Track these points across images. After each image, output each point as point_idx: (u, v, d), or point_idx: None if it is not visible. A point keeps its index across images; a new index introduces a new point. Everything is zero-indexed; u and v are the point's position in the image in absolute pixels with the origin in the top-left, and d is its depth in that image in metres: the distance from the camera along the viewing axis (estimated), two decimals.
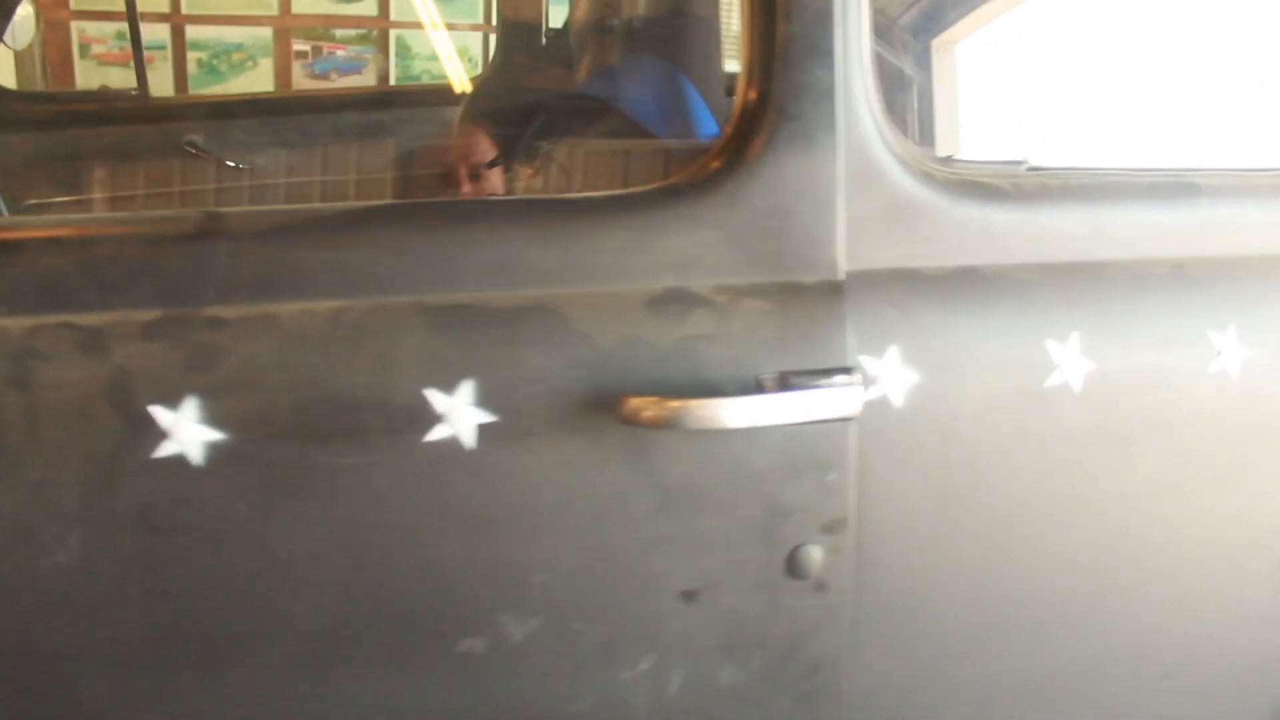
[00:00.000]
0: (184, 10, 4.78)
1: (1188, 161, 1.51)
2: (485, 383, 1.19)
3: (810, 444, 1.26)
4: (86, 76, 4.69)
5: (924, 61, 3.10)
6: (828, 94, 1.25)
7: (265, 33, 4.85)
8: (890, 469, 1.31)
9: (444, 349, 1.19)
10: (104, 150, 3.23)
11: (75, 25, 4.68)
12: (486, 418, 1.18)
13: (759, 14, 1.25)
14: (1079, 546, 1.42)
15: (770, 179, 1.25)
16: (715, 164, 1.26)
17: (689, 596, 1.27)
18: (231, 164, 3.23)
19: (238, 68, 4.82)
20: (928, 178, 1.33)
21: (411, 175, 2.90)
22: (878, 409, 1.29)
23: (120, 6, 4.66)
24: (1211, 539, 1.49)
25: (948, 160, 1.39)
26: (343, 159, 3.08)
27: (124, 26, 4.75)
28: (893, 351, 1.29)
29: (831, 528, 1.29)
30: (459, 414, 1.18)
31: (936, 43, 3.09)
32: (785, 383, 1.23)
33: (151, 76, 4.79)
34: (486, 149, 2.52)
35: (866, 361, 1.28)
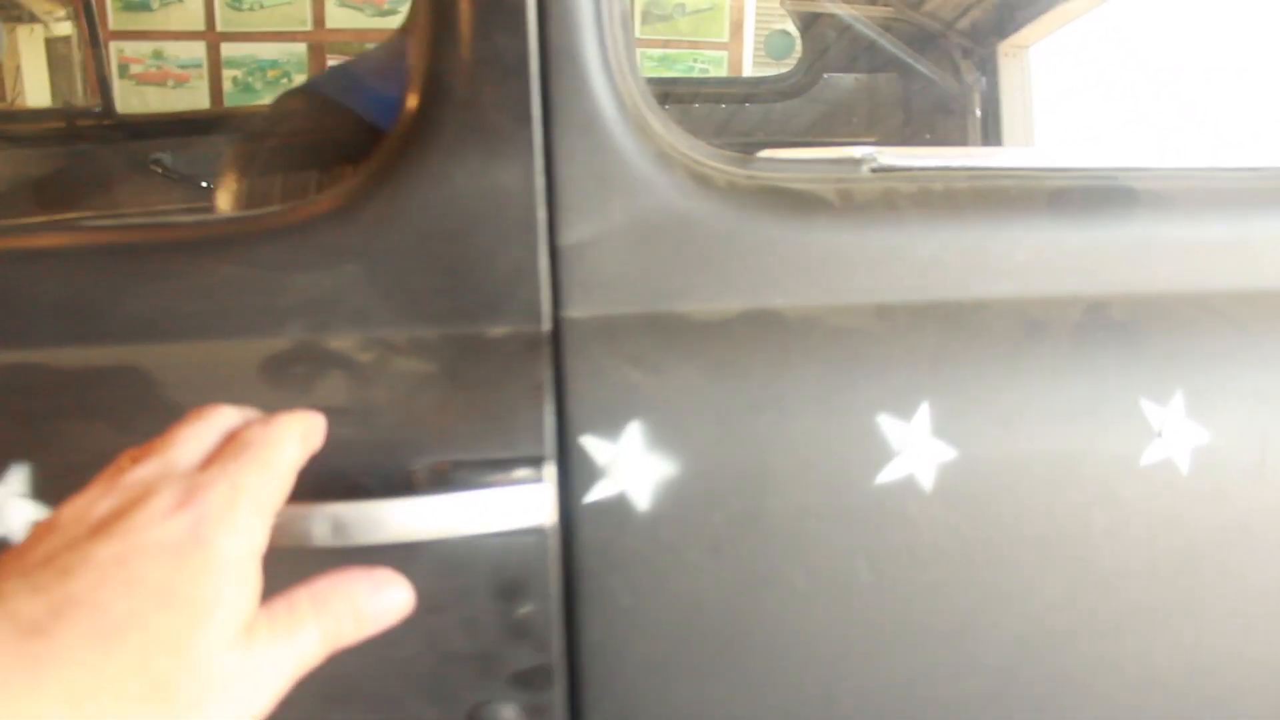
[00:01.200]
0: (219, 28, 4.67)
1: (1140, 158, 1.08)
2: (39, 471, 0.86)
3: (493, 563, 0.89)
4: (125, 96, 4.61)
5: (988, 66, 2.72)
6: (518, 70, 0.89)
7: (300, 49, 4.69)
8: (634, 598, 0.93)
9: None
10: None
11: (115, 46, 4.60)
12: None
13: None
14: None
15: (438, 193, 0.89)
16: (370, 174, 0.91)
17: None
18: (204, 184, 3.05)
19: (273, 85, 4.67)
20: (703, 183, 0.95)
21: None
22: (611, 513, 0.91)
23: (158, 26, 4.59)
24: None
25: (752, 160, 1.00)
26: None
27: (161, 45, 4.68)
28: (633, 431, 0.91)
29: (528, 680, 0.91)
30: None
31: (1005, 46, 2.69)
32: (446, 479, 0.87)
33: (188, 95, 4.70)
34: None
35: (593, 445, 0.90)
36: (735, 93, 3.09)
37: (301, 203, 0.90)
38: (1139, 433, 0.98)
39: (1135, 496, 0.98)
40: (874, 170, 0.99)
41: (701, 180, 0.94)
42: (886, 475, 0.94)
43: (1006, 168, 1.02)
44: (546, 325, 0.91)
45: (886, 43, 2.68)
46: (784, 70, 3.17)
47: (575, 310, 0.93)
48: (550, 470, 0.87)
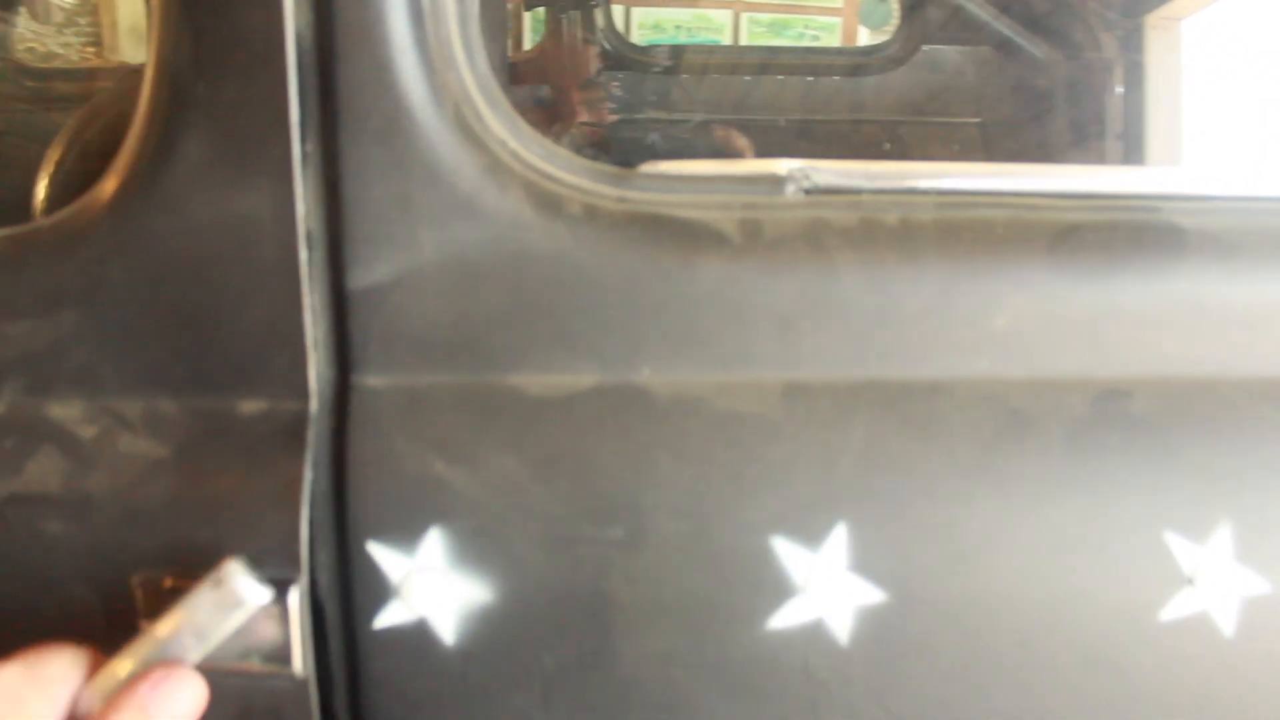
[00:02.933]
0: None
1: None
2: None
3: (238, 709, 0.69)
4: None
5: (1133, 43, 2.35)
6: (272, 56, 0.67)
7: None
8: None
9: None
10: None
11: None
12: None
13: None
14: None
15: (174, 222, 0.68)
16: (93, 199, 0.71)
17: None
18: None
19: None
20: (549, 208, 0.71)
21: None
22: (408, 644, 0.70)
23: None
24: None
25: (630, 177, 0.75)
26: None
27: None
28: (434, 540, 0.69)
29: None
30: None
31: (1153, 18, 2.31)
32: (170, 599, 0.67)
33: None
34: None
35: (383, 555, 0.69)
36: (815, 64, 2.73)
37: (16, 230, 0.71)
38: (1161, 577, 0.70)
39: (1150, 664, 0.71)
40: (806, 192, 0.73)
41: (547, 204, 0.71)
42: (783, 619, 0.69)
43: (994, 191, 0.74)
44: (319, 398, 0.69)
45: (997, 11, 2.32)
46: (878, 41, 2.83)
47: (368, 376, 0.71)
48: (295, 597, 0.66)
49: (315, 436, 0.71)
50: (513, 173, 0.71)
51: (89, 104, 0.98)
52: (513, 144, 0.71)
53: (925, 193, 0.74)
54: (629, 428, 0.70)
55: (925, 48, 2.54)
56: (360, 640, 0.71)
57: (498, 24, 2.30)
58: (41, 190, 0.94)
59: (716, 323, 0.71)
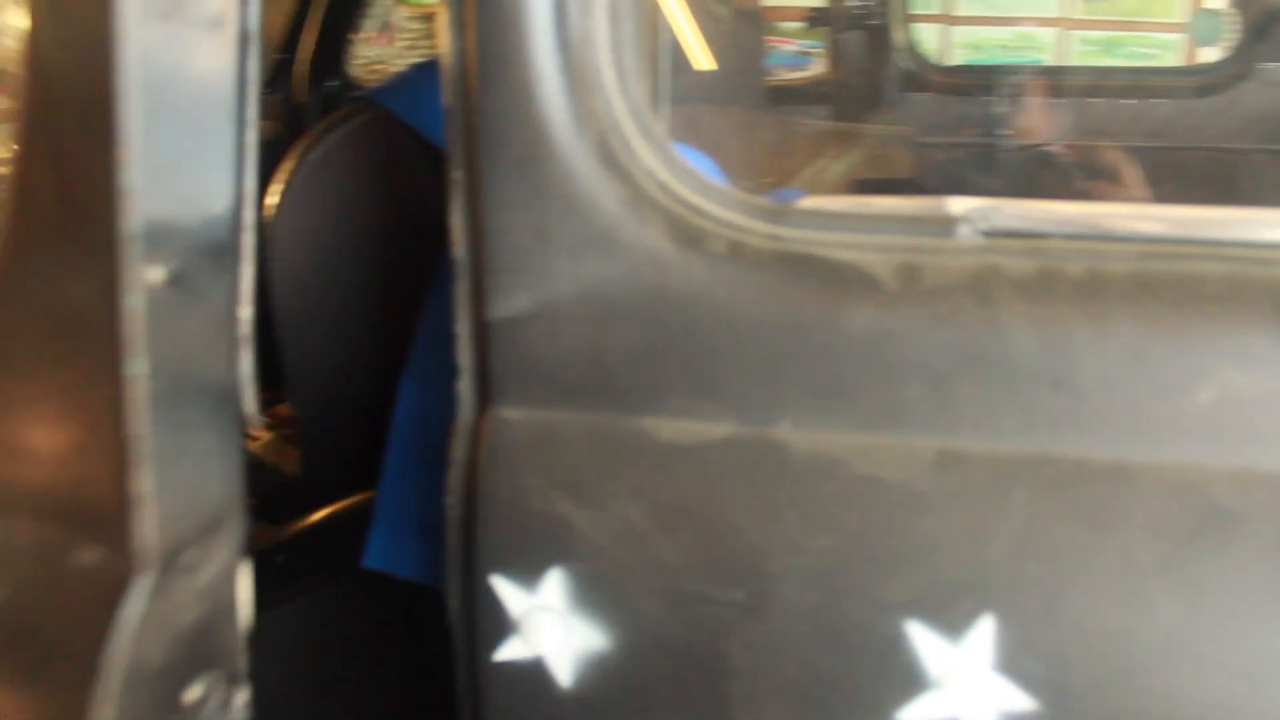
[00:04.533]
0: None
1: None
2: None
3: None
4: None
5: None
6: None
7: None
8: None
9: None
10: None
11: None
12: None
13: None
14: None
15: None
16: None
17: None
18: None
19: None
20: (692, 244, 0.67)
21: None
22: (524, 681, 0.70)
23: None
24: None
25: (786, 212, 0.69)
26: None
27: None
28: (555, 580, 0.68)
29: None
30: None
31: None
32: None
33: None
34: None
35: (504, 589, 0.69)
36: (1129, 85, 2.36)
37: None
38: None
39: None
40: (983, 234, 0.65)
41: (690, 239, 0.67)
42: (913, 713, 0.63)
43: (1210, 240, 0.62)
44: (462, 425, 0.69)
45: None
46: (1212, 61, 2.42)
47: (504, 407, 0.71)
48: None
49: (456, 463, 0.72)
50: (656, 205, 0.68)
51: (325, 121, 1.05)
52: (661, 175, 0.68)
53: (1123, 239, 0.63)
54: (761, 484, 0.66)
55: (1261, 66, 2.16)
56: (480, 670, 0.71)
57: (752, 47, 2.20)
58: (274, 198, 1.01)
59: (864, 377, 0.65)
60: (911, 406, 0.64)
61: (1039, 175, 2.11)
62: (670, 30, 0.76)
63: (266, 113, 2.50)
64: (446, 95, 0.70)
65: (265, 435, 2.19)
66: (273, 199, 1.00)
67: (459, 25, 0.69)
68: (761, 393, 0.67)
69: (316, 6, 2.32)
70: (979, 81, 2.32)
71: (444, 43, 0.70)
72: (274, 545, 1.07)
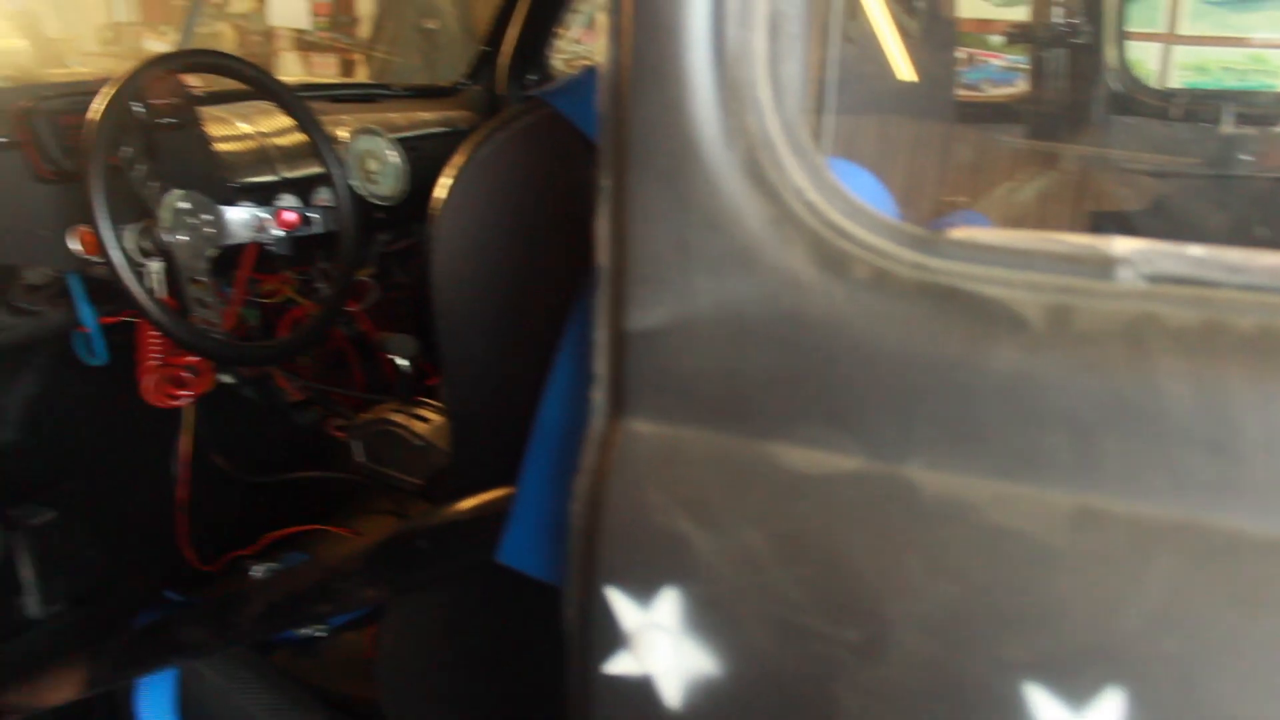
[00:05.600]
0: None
1: None
2: None
3: None
4: None
5: None
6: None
7: None
8: None
9: None
10: None
11: None
12: None
13: None
14: None
15: None
16: None
17: None
18: None
19: None
20: (836, 268, 0.65)
21: None
22: (632, 696, 0.70)
23: None
24: None
25: (937, 241, 0.65)
26: None
27: None
28: (670, 599, 0.67)
29: None
30: None
31: None
32: None
33: None
34: None
35: (619, 602, 0.69)
36: None
37: None
38: None
39: None
40: (1145, 278, 0.61)
41: (832, 263, 0.65)
42: None
43: None
44: (594, 433, 0.70)
45: None
46: None
47: (635, 419, 0.70)
48: None
49: (584, 470, 0.72)
50: (801, 226, 0.66)
51: (496, 118, 1.06)
52: (810, 195, 0.66)
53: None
54: (886, 523, 0.64)
55: None
56: (590, 679, 0.71)
57: (942, 60, 2.11)
58: (441, 191, 1.03)
59: (1003, 421, 0.62)
60: (1051, 457, 0.61)
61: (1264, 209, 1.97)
62: (843, 41, 0.74)
63: (468, 104, 2.58)
64: (601, 102, 0.70)
65: (435, 418, 2.26)
66: (440, 192, 1.03)
67: (616, 33, 0.69)
68: (894, 428, 0.64)
69: (523, 1, 2.38)
70: (1200, 107, 2.18)
71: (602, 50, 0.70)
72: (418, 530, 1.11)
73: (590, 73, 1.08)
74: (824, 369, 0.66)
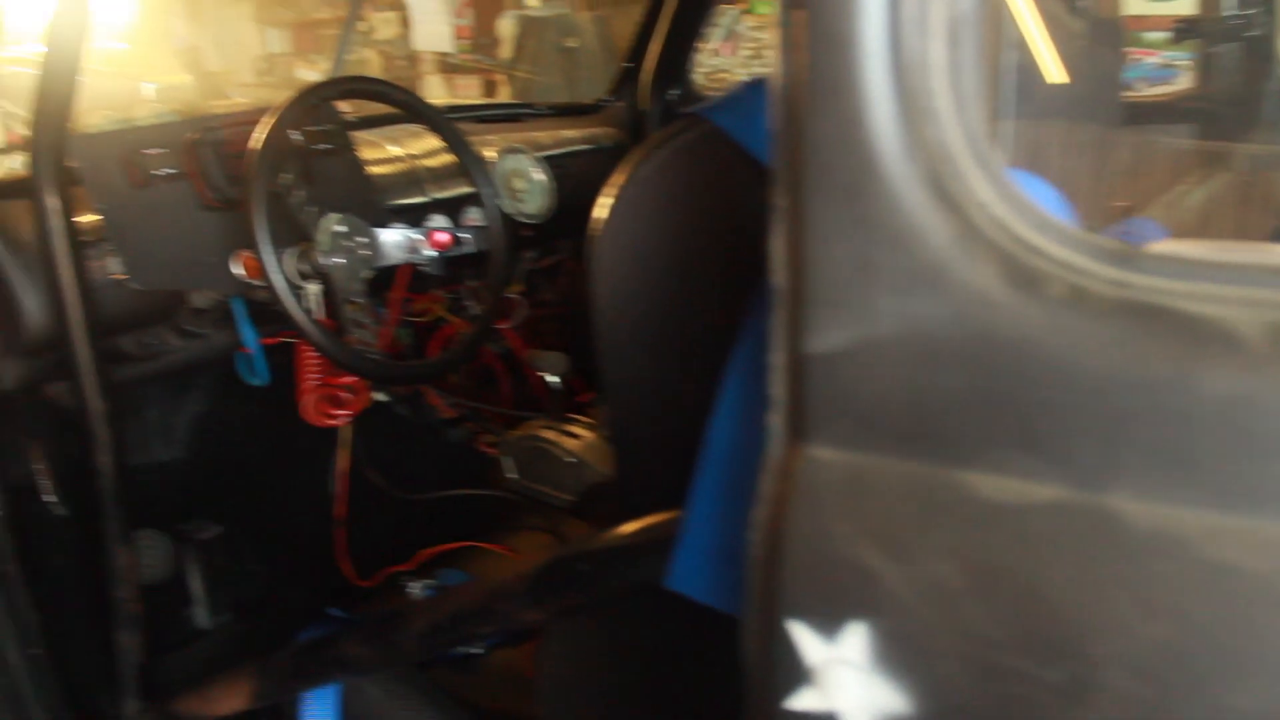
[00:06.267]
0: None
1: None
2: None
3: None
4: None
5: None
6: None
7: None
8: None
9: None
10: None
11: None
12: None
13: None
14: None
15: None
16: None
17: None
18: None
19: None
20: (1028, 287, 0.61)
21: None
22: None
23: None
24: None
25: (1136, 257, 0.61)
26: None
27: None
28: (857, 634, 0.65)
29: None
30: None
31: None
32: None
33: None
34: None
35: (802, 636, 0.66)
36: None
37: None
38: None
39: None
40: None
41: (1025, 281, 0.62)
42: None
43: None
44: (772, 460, 0.67)
45: None
46: None
47: (816, 446, 0.68)
48: None
49: (763, 499, 0.70)
50: (989, 242, 0.63)
51: (656, 135, 1.04)
52: (996, 210, 0.63)
53: None
54: (1091, 557, 0.60)
55: None
56: (772, 716, 0.69)
57: (1110, 60, 2.01)
58: (601, 210, 1.02)
59: (1218, 448, 0.57)
60: (1274, 487, 0.57)
61: None
62: (1014, 47, 0.71)
63: (611, 121, 2.59)
64: (773, 118, 0.68)
65: (587, 435, 2.27)
66: (600, 212, 1.02)
67: (789, 46, 0.67)
68: (1097, 455, 0.60)
69: (664, 17, 2.37)
70: None
71: (773, 63, 0.68)
72: (580, 553, 1.10)
73: (750, 87, 1.06)
74: (1019, 392, 0.63)
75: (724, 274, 0.95)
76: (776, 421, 0.71)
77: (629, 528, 1.03)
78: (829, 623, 0.67)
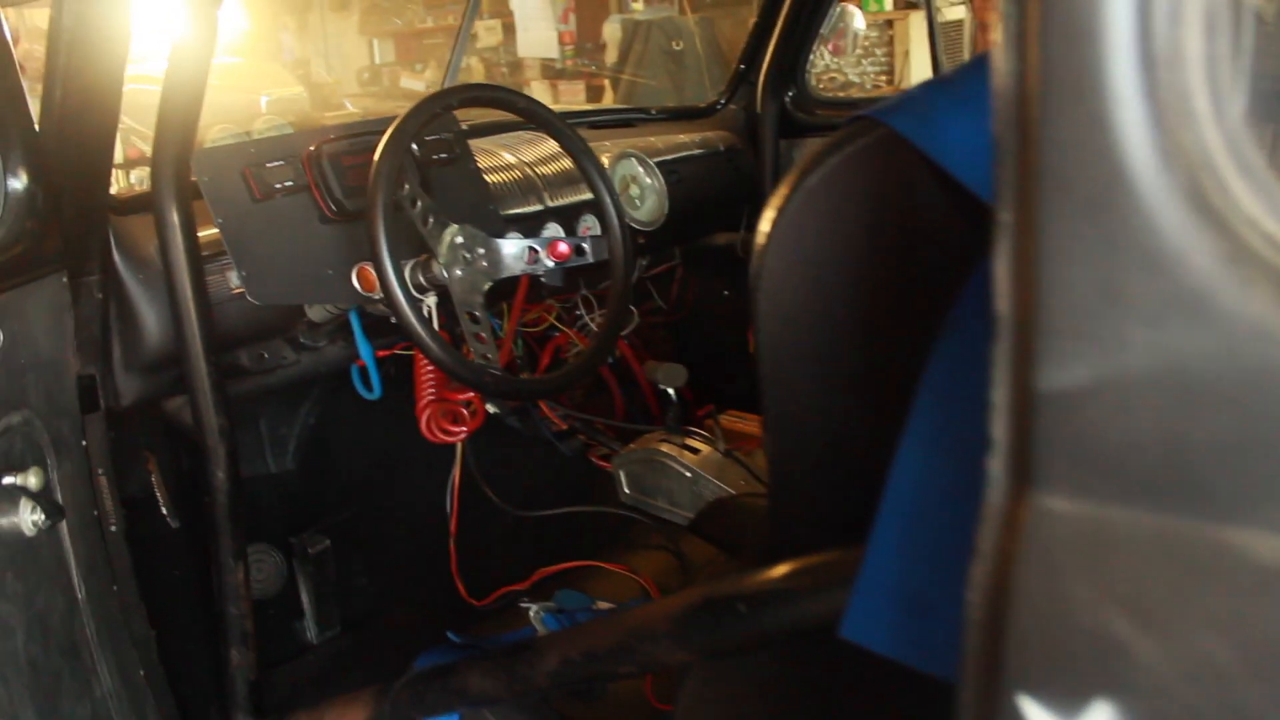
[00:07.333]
0: None
1: None
2: None
3: None
4: None
5: None
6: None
7: None
8: None
9: None
10: None
11: None
12: None
13: None
14: None
15: None
16: None
17: None
18: None
19: None
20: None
21: None
22: None
23: None
24: None
25: None
26: None
27: None
28: (1101, 716, 0.56)
29: None
30: None
31: None
32: None
33: None
34: None
35: (1034, 713, 0.58)
36: None
37: None
38: None
39: None
40: None
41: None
42: None
43: None
44: (991, 508, 0.59)
45: None
46: None
47: (1048, 495, 0.59)
48: None
49: (982, 555, 0.62)
50: (1264, 264, 0.54)
51: (823, 143, 0.96)
52: (1268, 226, 0.54)
53: None
54: None
55: None
56: None
57: None
58: (766, 224, 0.94)
59: None
60: None
61: None
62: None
63: (725, 124, 2.51)
64: (998, 123, 0.60)
65: (705, 449, 2.19)
66: (765, 225, 0.94)
67: (1018, 41, 0.59)
68: None
69: (778, 19, 2.30)
70: None
71: (998, 61, 0.60)
72: (736, 595, 1.02)
73: (929, 87, 0.98)
74: None
75: (904, 295, 0.87)
76: (997, 467, 0.62)
77: (790, 566, 0.95)
78: (1068, 700, 0.58)
